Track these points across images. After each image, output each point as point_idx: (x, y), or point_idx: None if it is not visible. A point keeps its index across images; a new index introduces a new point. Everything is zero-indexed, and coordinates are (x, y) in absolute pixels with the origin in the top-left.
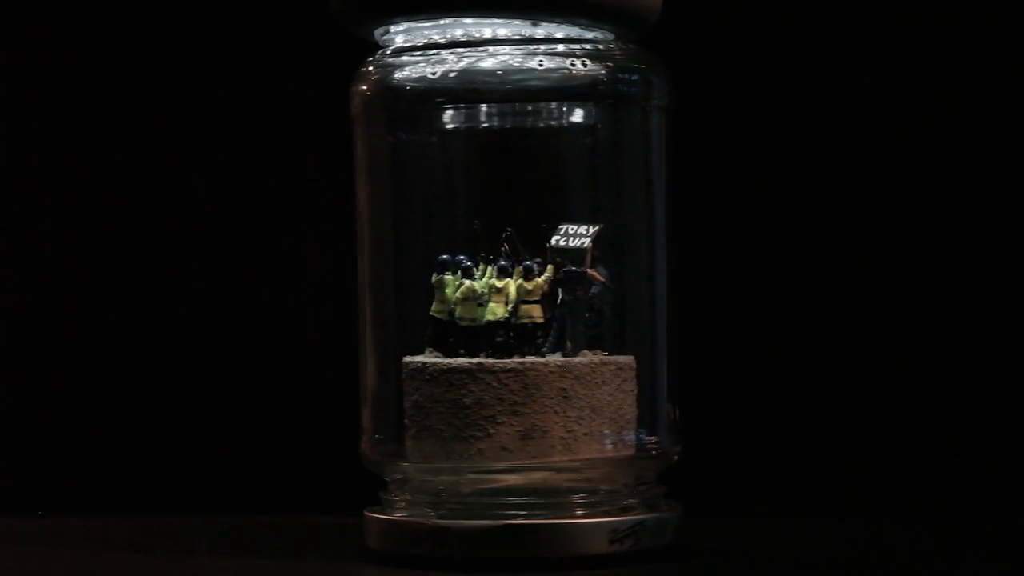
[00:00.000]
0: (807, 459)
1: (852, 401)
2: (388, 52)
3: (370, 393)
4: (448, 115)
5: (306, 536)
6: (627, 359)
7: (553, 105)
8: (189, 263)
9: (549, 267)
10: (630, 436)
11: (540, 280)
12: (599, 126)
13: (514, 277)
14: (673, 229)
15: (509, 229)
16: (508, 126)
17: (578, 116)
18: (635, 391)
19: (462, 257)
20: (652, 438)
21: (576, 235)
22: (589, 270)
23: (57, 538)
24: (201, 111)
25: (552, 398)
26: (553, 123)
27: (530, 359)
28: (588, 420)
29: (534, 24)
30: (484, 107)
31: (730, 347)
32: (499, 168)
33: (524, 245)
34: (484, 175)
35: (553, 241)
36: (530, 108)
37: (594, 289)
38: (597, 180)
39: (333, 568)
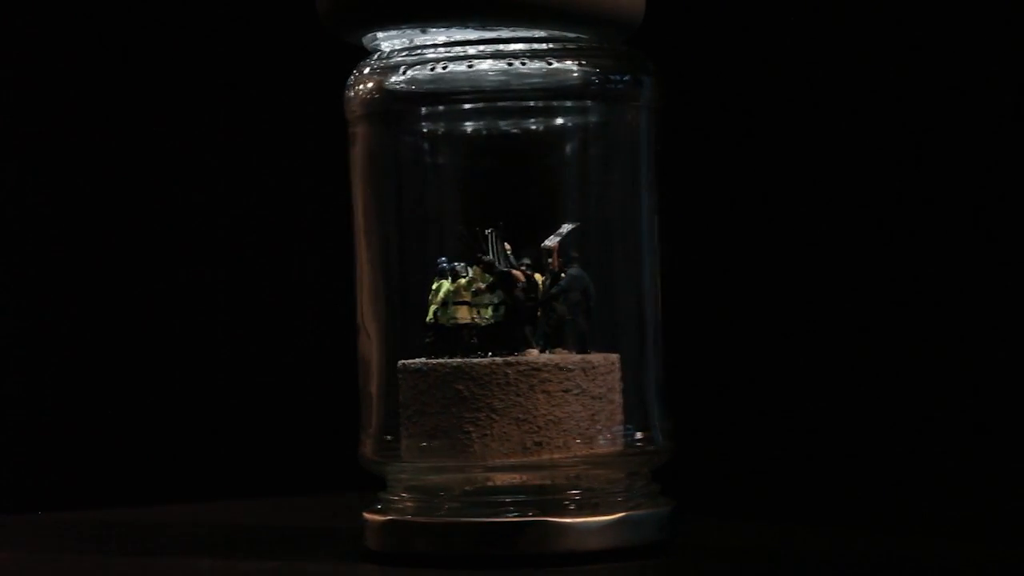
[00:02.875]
0: (802, 456)
1: (847, 398)
2: (381, 56)
3: (375, 395)
4: (441, 117)
5: (305, 536)
6: (566, 358)
7: (545, 105)
8: (191, 266)
9: (475, 268)
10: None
11: (463, 281)
12: (590, 126)
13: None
14: (663, 228)
15: (477, 228)
16: (501, 127)
17: (570, 116)
18: (582, 391)
19: (488, 259)
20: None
21: (557, 234)
22: (513, 270)
23: (57, 535)
24: (200, 115)
25: (449, 399)
26: (545, 123)
27: (432, 360)
28: (488, 422)
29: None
30: (477, 109)
31: (720, 344)
32: (492, 169)
33: (479, 244)
34: (477, 176)
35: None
36: (522, 109)
37: (554, 289)
38: (589, 179)
39: (332, 568)
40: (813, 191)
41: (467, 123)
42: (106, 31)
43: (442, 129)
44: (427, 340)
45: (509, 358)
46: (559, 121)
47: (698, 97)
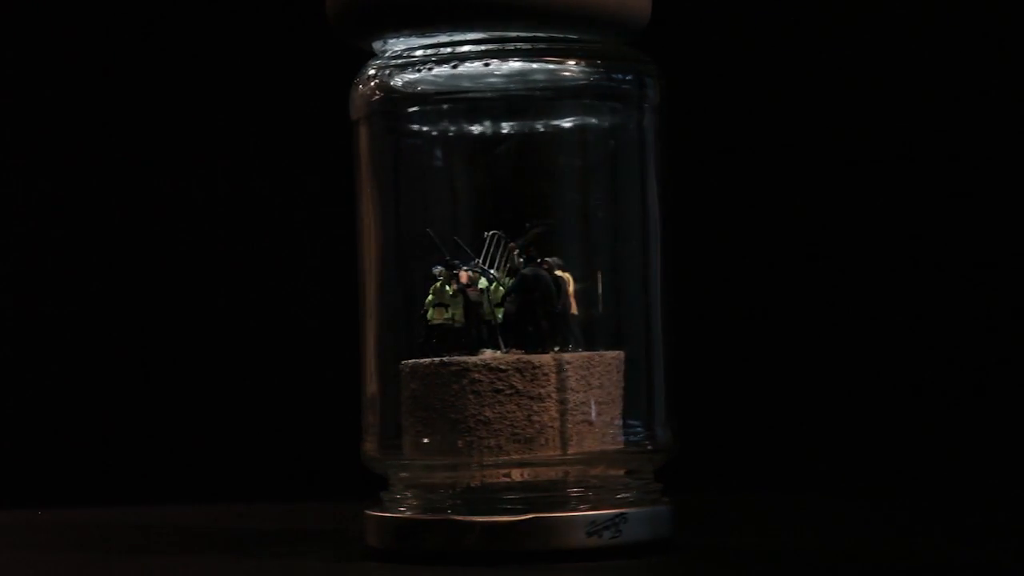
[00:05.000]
0: (804, 455)
1: (852, 398)
2: (386, 56)
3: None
4: (444, 118)
5: (306, 535)
6: (499, 358)
7: (548, 106)
8: (194, 266)
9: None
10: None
11: (437, 285)
12: (594, 127)
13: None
14: (667, 228)
15: (495, 232)
16: (504, 128)
17: (574, 117)
18: (516, 392)
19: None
20: None
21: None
22: (461, 271)
23: (57, 535)
24: (203, 115)
25: (409, 399)
26: (549, 124)
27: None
28: (429, 422)
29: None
30: (480, 109)
31: (724, 343)
32: (496, 170)
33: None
34: (480, 177)
35: None
36: (526, 109)
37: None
38: (594, 180)
39: (334, 566)
40: (816, 192)
41: (470, 123)
42: (112, 33)
43: (445, 130)
44: (419, 340)
45: (445, 358)
46: (562, 121)
47: (703, 97)
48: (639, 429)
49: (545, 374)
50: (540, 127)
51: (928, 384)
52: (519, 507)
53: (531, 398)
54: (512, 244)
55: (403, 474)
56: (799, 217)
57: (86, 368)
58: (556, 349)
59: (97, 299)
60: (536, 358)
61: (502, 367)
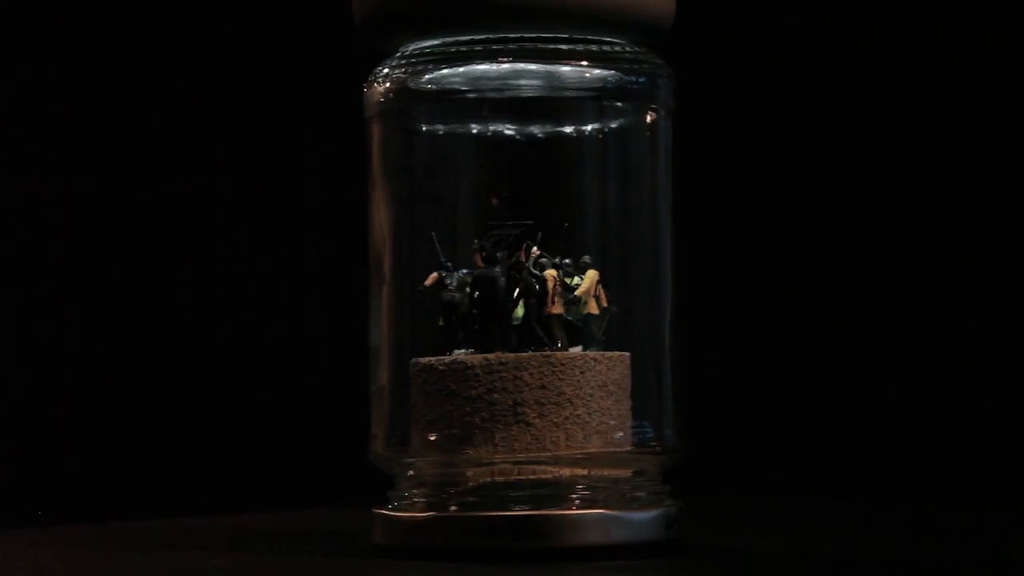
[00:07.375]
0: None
1: (856, 401)
2: (401, 55)
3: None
4: (456, 117)
5: (312, 533)
6: (439, 359)
7: (561, 107)
8: (199, 265)
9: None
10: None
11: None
12: (607, 128)
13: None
14: (678, 230)
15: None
16: (517, 128)
17: (587, 118)
18: (451, 392)
19: (565, 260)
20: None
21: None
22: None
23: (57, 535)
24: (209, 112)
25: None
26: (562, 125)
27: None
28: (411, 418)
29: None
30: (492, 110)
31: (732, 346)
32: (507, 170)
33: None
34: (490, 177)
35: None
36: (538, 110)
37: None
38: (606, 181)
39: (339, 564)
40: (828, 195)
41: (482, 124)
42: (117, 33)
43: (457, 129)
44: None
45: (412, 359)
46: (574, 122)
47: (715, 100)
48: (649, 430)
49: (476, 375)
50: (552, 127)
51: (931, 388)
52: (529, 504)
53: (464, 399)
54: (475, 243)
55: (409, 472)
56: (810, 220)
57: (86, 366)
58: (532, 350)
59: (104, 305)
60: (470, 359)
61: (440, 368)
